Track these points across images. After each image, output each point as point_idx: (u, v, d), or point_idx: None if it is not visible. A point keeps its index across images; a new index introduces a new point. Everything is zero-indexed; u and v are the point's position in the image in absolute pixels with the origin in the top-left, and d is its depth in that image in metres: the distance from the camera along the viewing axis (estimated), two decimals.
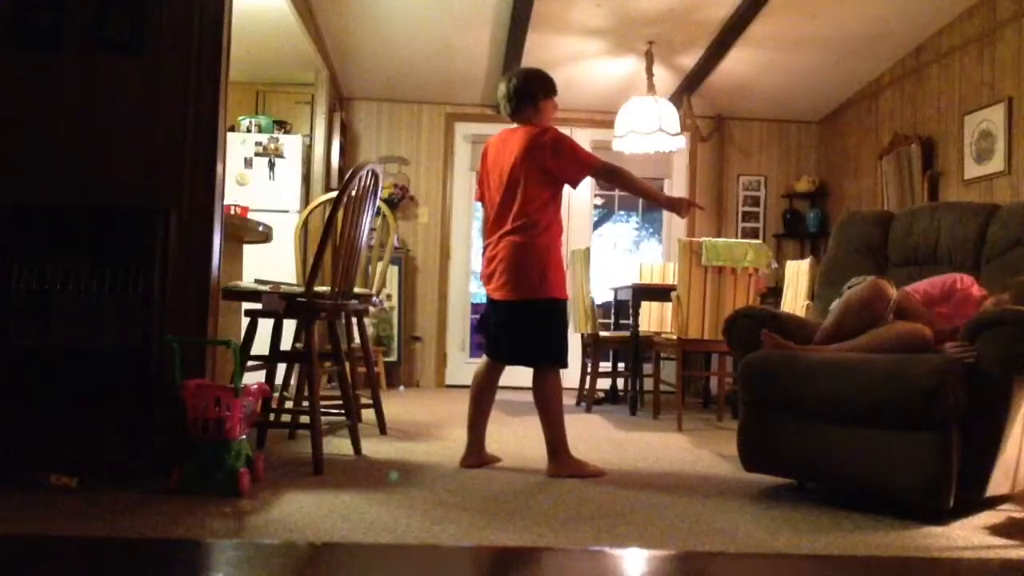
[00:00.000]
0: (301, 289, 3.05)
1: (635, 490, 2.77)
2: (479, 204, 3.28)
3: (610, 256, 7.27)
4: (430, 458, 3.24)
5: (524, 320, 3.00)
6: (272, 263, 4.79)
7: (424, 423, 4.26)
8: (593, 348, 5.17)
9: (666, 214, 6.98)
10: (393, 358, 6.38)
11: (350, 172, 2.94)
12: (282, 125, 6.07)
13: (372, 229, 4.49)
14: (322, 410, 3.04)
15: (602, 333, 5.17)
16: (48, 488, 2.43)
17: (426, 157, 6.71)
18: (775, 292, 5.65)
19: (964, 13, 5.02)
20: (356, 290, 3.43)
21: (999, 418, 2.39)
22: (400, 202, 6.55)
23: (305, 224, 4.22)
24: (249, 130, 5.89)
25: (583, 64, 5.93)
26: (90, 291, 2.61)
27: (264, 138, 5.83)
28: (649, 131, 5.43)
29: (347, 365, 3.34)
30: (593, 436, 3.98)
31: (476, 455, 3.13)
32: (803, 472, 2.78)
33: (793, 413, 2.71)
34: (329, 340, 3.24)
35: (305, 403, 3.47)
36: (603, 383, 5.79)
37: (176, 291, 2.71)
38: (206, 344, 2.78)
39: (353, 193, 2.99)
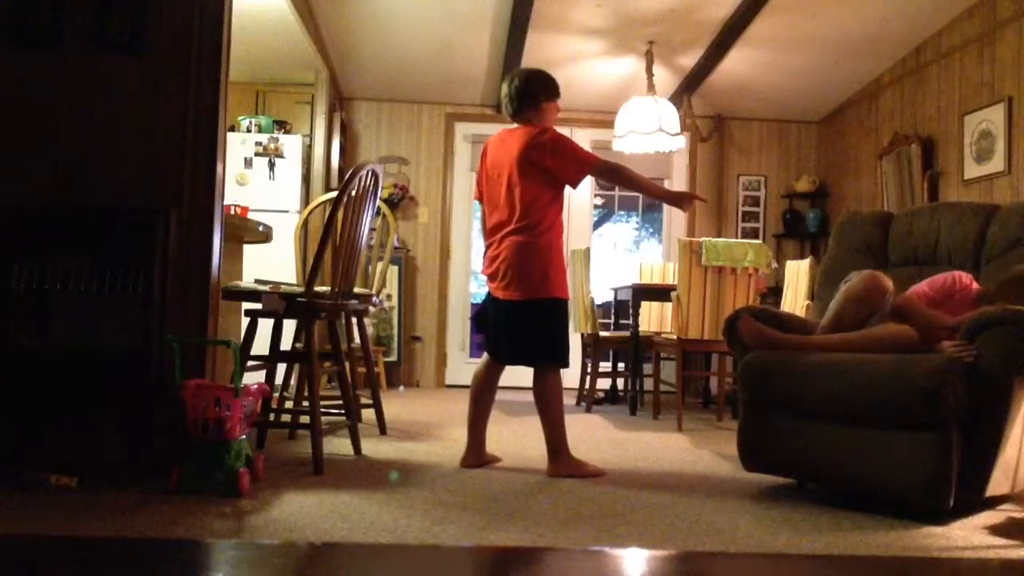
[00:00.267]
0: (301, 289, 3.05)
1: (635, 490, 2.77)
2: (478, 203, 3.28)
3: (610, 256, 7.27)
4: (430, 458, 3.24)
5: (526, 319, 3.00)
6: (272, 263, 4.79)
7: (424, 423, 4.26)
8: (593, 348, 5.17)
9: (666, 214, 6.99)
10: (393, 358, 6.38)
11: (350, 172, 2.94)
12: (282, 125, 6.07)
13: (372, 229, 4.49)
14: (322, 410, 3.04)
15: (602, 333, 5.17)
16: (48, 488, 2.43)
17: (426, 157, 6.72)
18: (775, 292, 5.65)
19: (964, 13, 5.02)
20: (356, 290, 3.43)
21: (999, 418, 2.39)
22: (400, 202, 6.56)
23: (305, 224, 4.22)
24: (249, 130, 5.89)
25: (583, 64, 5.93)
26: (90, 291, 2.61)
27: (264, 138, 5.83)
28: (649, 131, 5.43)
29: (347, 365, 3.34)
30: (593, 436, 3.98)
31: (476, 455, 3.13)
32: (803, 472, 2.78)
33: (793, 413, 2.71)
34: (329, 340, 3.24)
35: (305, 403, 3.47)
36: (603, 383, 5.79)
37: (176, 291, 2.71)
38: (206, 344, 2.78)
39: (353, 193, 2.99)
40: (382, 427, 3.82)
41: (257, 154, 5.80)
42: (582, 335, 5.41)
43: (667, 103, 5.63)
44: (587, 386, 5.21)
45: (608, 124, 5.95)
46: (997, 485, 2.45)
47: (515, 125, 3.12)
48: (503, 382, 3.20)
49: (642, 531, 2.23)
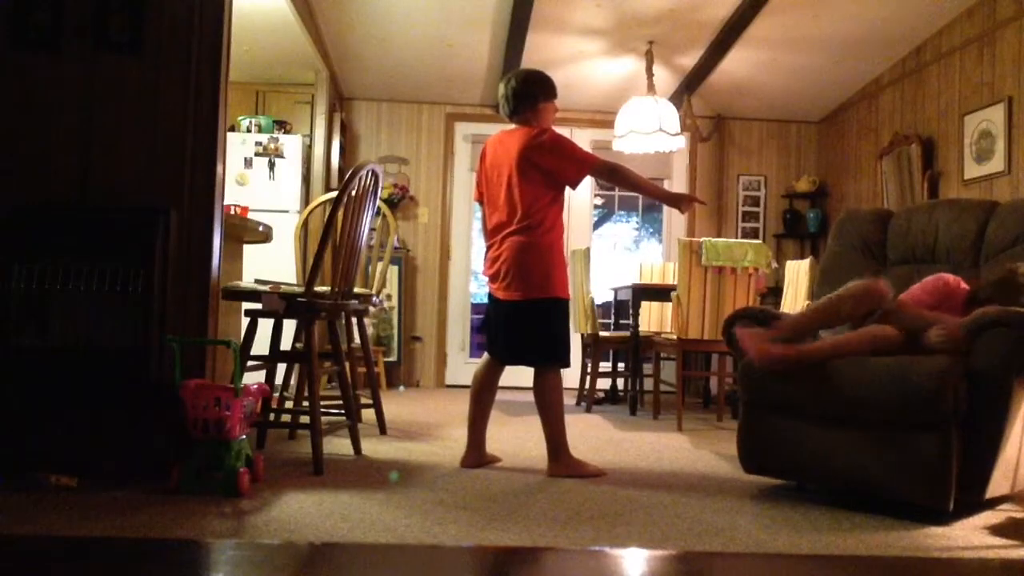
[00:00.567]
0: (301, 289, 3.05)
1: (635, 490, 2.77)
2: (478, 204, 3.28)
3: (610, 256, 7.27)
4: (430, 458, 3.24)
5: (527, 319, 3.00)
6: (272, 263, 4.79)
7: (424, 423, 4.26)
8: (593, 348, 5.17)
9: (666, 214, 6.99)
10: (393, 358, 6.38)
11: (350, 172, 2.94)
12: (282, 125, 6.07)
13: (372, 229, 4.49)
14: (322, 410, 3.04)
15: (602, 333, 5.17)
16: (48, 488, 2.43)
17: (426, 157, 6.72)
18: (775, 292, 5.66)
19: (964, 13, 5.02)
20: (356, 290, 3.43)
21: (999, 419, 2.38)
22: (400, 202, 6.56)
23: (305, 224, 4.22)
24: (249, 130, 5.89)
25: (583, 64, 5.93)
26: (90, 291, 2.61)
27: (264, 138, 5.83)
28: (649, 131, 5.43)
29: (347, 365, 3.34)
30: (593, 436, 3.98)
31: (476, 455, 3.13)
32: (803, 474, 2.76)
33: (793, 415, 2.70)
34: (329, 340, 3.24)
35: (305, 403, 3.47)
36: (603, 383, 5.79)
37: (176, 291, 2.71)
38: (206, 344, 2.78)
39: (353, 193, 2.99)
40: (382, 427, 3.82)
41: (257, 154, 5.80)
42: (582, 335, 5.41)
43: (667, 103, 5.63)
44: (587, 386, 5.21)
45: (608, 124, 5.95)
46: (997, 486, 2.45)
47: (514, 126, 3.13)
48: (503, 382, 3.20)
49: (642, 531, 2.23)
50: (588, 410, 5.07)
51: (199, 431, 2.48)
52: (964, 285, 2.80)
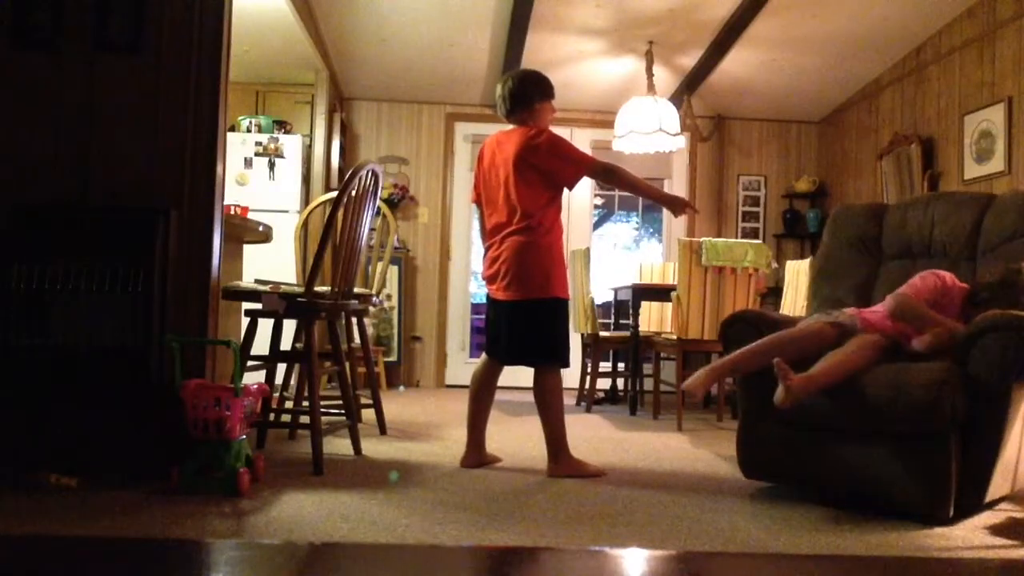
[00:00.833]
0: (301, 289, 3.05)
1: (635, 490, 2.77)
2: (476, 206, 3.27)
3: (610, 256, 7.27)
4: (430, 458, 3.24)
5: (528, 320, 3.00)
6: (272, 263, 4.79)
7: (424, 423, 4.26)
8: (593, 348, 5.17)
9: (666, 213, 6.98)
10: (393, 358, 6.38)
11: (350, 172, 2.94)
12: (282, 125, 6.07)
13: (372, 229, 4.49)
14: (322, 410, 3.04)
15: (602, 333, 5.17)
16: (48, 488, 2.43)
17: (426, 157, 6.72)
18: (775, 292, 5.66)
19: (964, 13, 5.02)
20: (356, 290, 3.43)
21: (999, 426, 2.36)
22: (400, 202, 6.55)
23: (305, 224, 4.22)
24: (249, 130, 5.89)
25: (583, 64, 5.93)
26: (90, 291, 2.61)
27: (264, 138, 5.83)
28: (649, 131, 5.42)
29: (347, 365, 3.34)
30: (593, 436, 3.98)
31: (476, 455, 3.13)
32: (803, 483, 2.73)
33: (793, 424, 2.67)
34: (329, 340, 3.24)
35: (305, 403, 3.47)
36: (603, 383, 5.79)
37: (176, 291, 2.71)
38: (206, 344, 2.78)
39: (353, 193, 2.99)
40: (382, 427, 3.82)
41: (257, 154, 5.80)
42: (582, 335, 5.41)
43: (667, 103, 5.63)
44: (587, 386, 5.21)
45: (608, 124, 5.95)
46: (997, 487, 2.44)
47: (512, 126, 3.13)
48: (503, 382, 3.20)
49: (642, 531, 2.23)
50: (588, 410, 5.07)
51: (199, 431, 2.48)
52: (960, 283, 2.77)
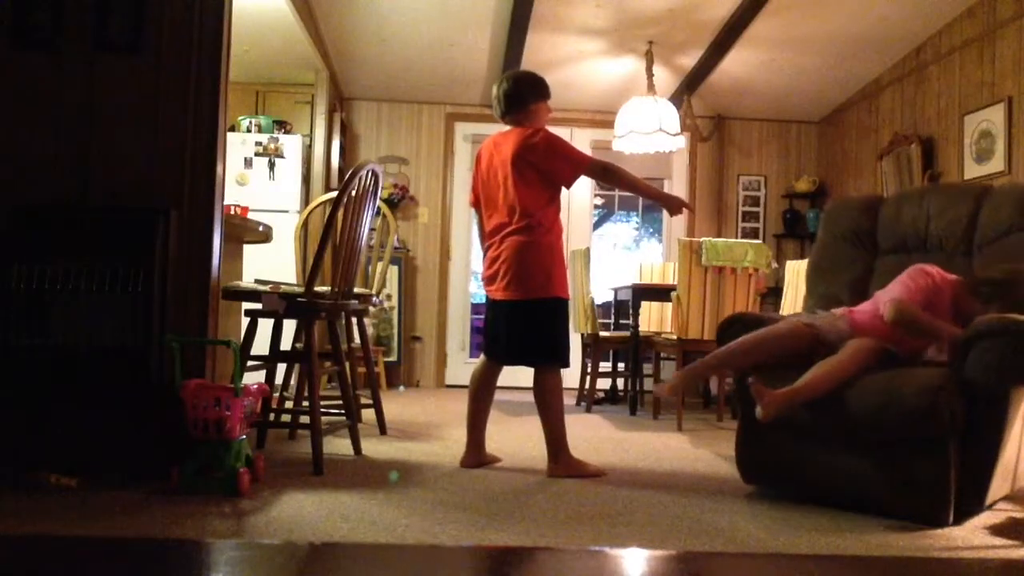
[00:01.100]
0: (301, 289, 3.05)
1: (635, 490, 2.77)
2: (474, 209, 3.26)
3: (610, 256, 7.27)
4: (430, 458, 3.24)
5: (529, 320, 3.00)
6: (272, 263, 4.79)
7: (424, 423, 4.26)
8: (593, 348, 5.17)
9: (666, 213, 6.96)
10: (393, 358, 6.38)
11: (350, 172, 2.94)
12: (282, 125, 6.07)
13: (372, 229, 4.49)
14: (322, 410, 3.04)
15: (602, 333, 5.17)
16: (48, 488, 2.43)
17: (426, 157, 6.72)
18: (775, 292, 5.66)
19: (964, 13, 5.02)
20: (356, 290, 3.43)
21: (997, 431, 2.35)
22: (400, 202, 6.55)
23: (305, 224, 4.22)
24: (249, 130, 5.89)
25: (583, 64, 5.93)
26: (90, 291, 2.61)
27: (264, 138, 5.83)
28: (649, 131, 5.43)
29: (347, 365, 3.34)
30: (593, 436, 3.98)
31: (476, 455, 3.13)
32: (803, 489, 2.69)
33: (791, 432, 2.64)
34: (329, 340, 3.24)
35: (305, 403, 3.47)
36: (603, 383, 5.79)
37: (176, 291, 2.71)
38: (206, 344, 2.78)
39: (353, 193, 2.99)
40: (382, 427, 3.82)
41: (257, 154, 5.80)
42: (582, 335, 5.41)
43: (667, 103, 5.63)
44: (587, 386, 5.21)
45: (608, 124, 5.95)
46: (996, 488, 2.44)
47: (509, 128, 3.13)
48: (503, 382, 3.20)
49: (642, 531, 2.23)
50: (588, 410, 5.07)
51: (199, 431, 2.48)
52: (948, 275, 2.73)
